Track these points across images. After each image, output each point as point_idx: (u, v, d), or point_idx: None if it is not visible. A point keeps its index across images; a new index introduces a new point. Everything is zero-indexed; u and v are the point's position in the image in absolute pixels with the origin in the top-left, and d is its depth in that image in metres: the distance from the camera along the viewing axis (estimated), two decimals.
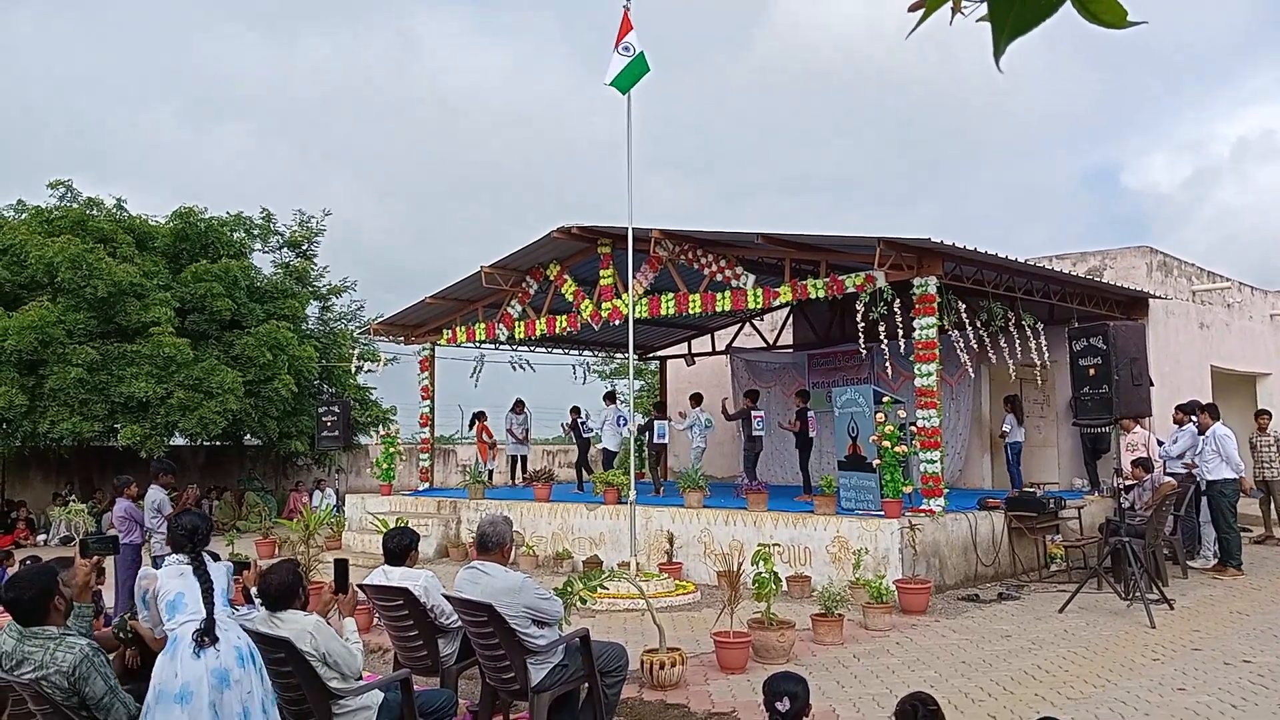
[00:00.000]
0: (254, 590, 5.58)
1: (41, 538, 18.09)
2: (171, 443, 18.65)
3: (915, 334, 10.54)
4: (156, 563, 8.99)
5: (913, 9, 1.06)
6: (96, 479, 20.19)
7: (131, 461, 19.01)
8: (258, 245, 21.80)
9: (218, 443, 21.46)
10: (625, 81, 10.43)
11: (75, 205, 19.19)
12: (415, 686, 5.03)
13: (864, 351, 11.14)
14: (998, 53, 0.90)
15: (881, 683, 6.58)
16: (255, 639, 4.44)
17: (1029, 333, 12.02)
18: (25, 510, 19.45)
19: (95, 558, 4.24)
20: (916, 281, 10.52)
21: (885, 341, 10.84)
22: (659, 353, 21.27)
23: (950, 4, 0.99)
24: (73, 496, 18.52)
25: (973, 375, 12.73)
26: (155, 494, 9.13)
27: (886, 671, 6.89)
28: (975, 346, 11.46)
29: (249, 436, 21.04)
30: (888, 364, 11.51)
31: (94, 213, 19.04)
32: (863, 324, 10.68)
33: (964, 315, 10.94)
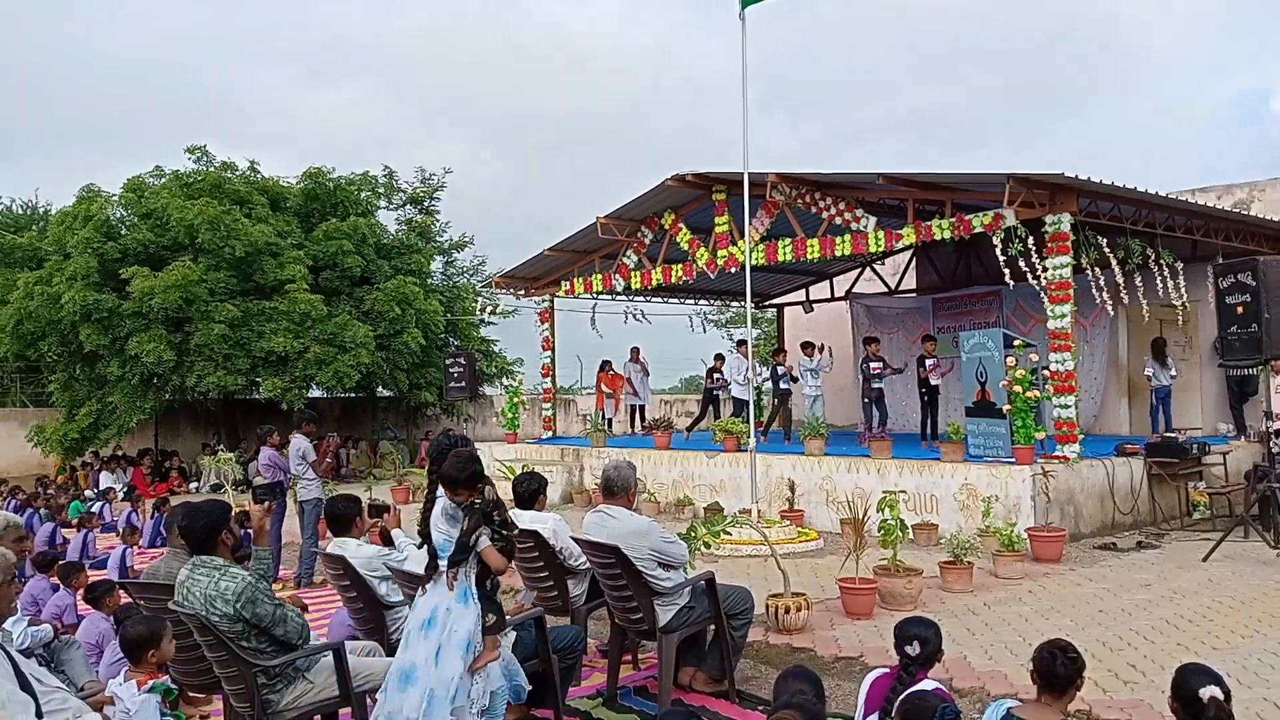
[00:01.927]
0: (395, 533, 5.85)
1: (193, 485, 19.32)
2: (309, 394, 19.56)
3: (1047, 274, 10.12)
4: (303, 507, 9.51)
5: None
6: (241, 429, 21.40)
7: (273, 412, 20.08)
8: (382, 203, 22.48)
9: (352, 394, 22.41)
10: None
11: (211, 169, 20.13)
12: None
13: (1005, 289, 10.68)
14: None
15: (1014, 630, 6.45)
16: (400, 578, 4.67)
17: (1168, 271, 11.38)
18: (177, 460, 20.81)
19: (267, 503, 4.49)
20: (1049, 219, 10.08)
21: (1014, 283, 10.44)
22: (776, 300, 21.04)
23: None
24: (220, 446, 19.67)
25: (1112, 313, 12.08)
26: (299, 442, 9.59)
27: (1019, 619, 6.75)
28: (1111, 286, 10.92)
29: (381, 388, 21.91)
30: (1033, 302, 10.99)
31: (229, 175, 19.94)
32: (1004, 259, 10.24)
33: (1105, 251, 10.40)
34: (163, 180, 19.57)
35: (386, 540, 6.01)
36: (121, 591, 5.87)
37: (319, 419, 10.64)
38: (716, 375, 16.42)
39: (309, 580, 9.54)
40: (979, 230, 10.63)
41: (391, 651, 5.00)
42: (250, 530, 4.49)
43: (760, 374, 15.03)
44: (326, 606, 8.11)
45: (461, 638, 4.01)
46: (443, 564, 4.12)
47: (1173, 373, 13.18)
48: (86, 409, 18.69)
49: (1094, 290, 10.65)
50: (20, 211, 31.44)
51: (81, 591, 6.39)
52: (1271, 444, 9.19)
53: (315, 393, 20.43)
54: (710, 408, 16.76)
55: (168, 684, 3.82)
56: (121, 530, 11.28)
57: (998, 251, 10.30)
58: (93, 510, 13.98)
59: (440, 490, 4.18)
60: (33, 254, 19.61)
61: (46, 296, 17.84)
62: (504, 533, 4.17)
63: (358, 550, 5.24)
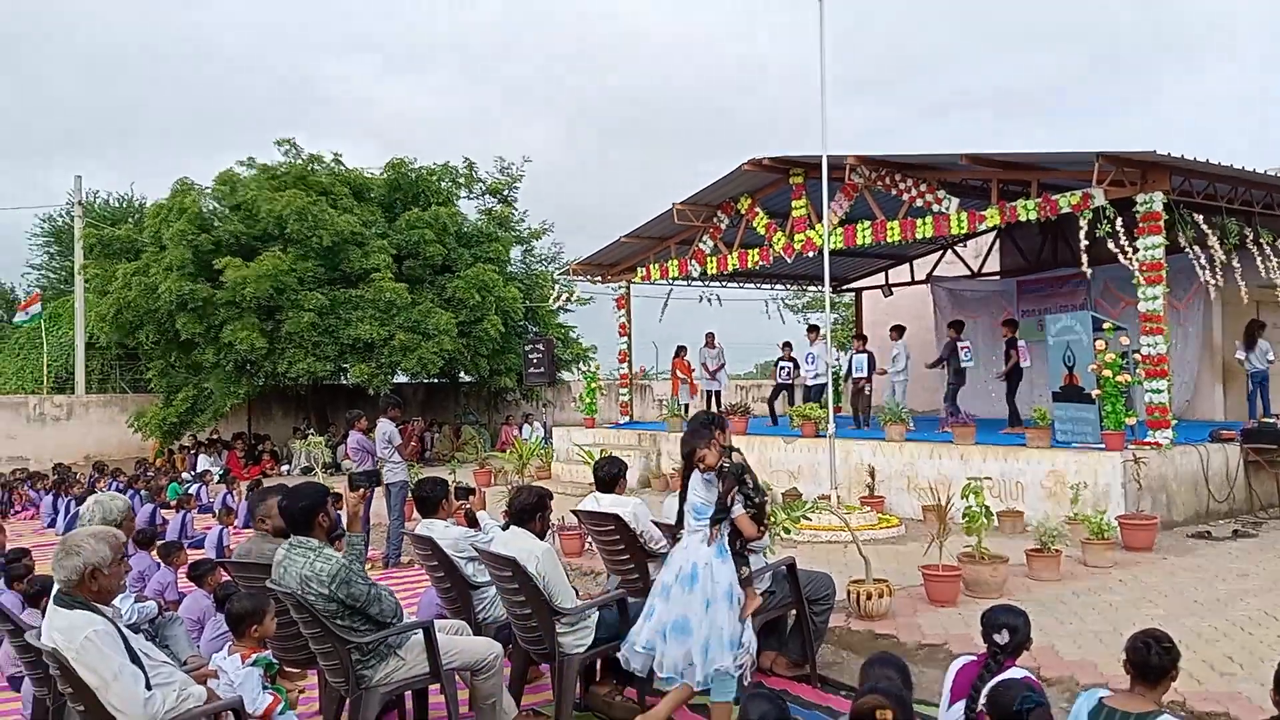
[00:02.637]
0: (481, 514, 5.98)
1: (285, 468, 19.95)
2: (394, 380, 20.02)
3: (1139, 255, 9.81)
4: (389, 490, 9.77)
5: None
6: (330, 414, 22.02)
7: (360, 397, 20.62)
8: (462, 192, 22.82)
9: (435, 380, 22.86)
10: None
11: (298, 161, 20.68)
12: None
13: (1086, 274, 10.38)
14: None
15: (1104, 620, 6.31)
16: (486, 558, 4.78)
17: (1269, 250, 10.91)
18: (270, 443, 21.50)
19: (361, 490, 4.63)
20: (1140, 198, 9.76)
21: (1099, 266, 10.13)
22: (854, 284, 20.79)
23: None
24: (310, 430, 20.26)
25: (1214, 293, 11.58)
26: (385, 426, 9.85)
27: (1109, 609, 6.60)
28: (1207, 267, 10.53)
29: (462, 374, 22.31)
30: (1123, 285, 10.62)
31: (315, 167, 20.46)
32: (1087, 243, 9.96)
33: (1203, 229, 10.02)
34: (252, 173, 20.16)
35: (472, 522, 6.15)
36: (221, 570, 6.13)
37: (404, 404, 10.91)
38: (784, 364, 16.18)
39: (396, 560, 9.81)
40: (1066, 211, 10.35)
41: (479, 630, 5.14)
42: (345, 514, 4.64)
43: (837, 359, 14.85)
44: (414, 587, 8.34)
45: (725, 589, 4.50)
46: (701, 524, 4.61)
47: (1269, 356, 12.64)
48: (183, 394, 19.42)
49: (1197, 269, 10.28)
50: (116, 205, 32.78)
51: (184, 570, 6.67)
52: None
53: (400, 378, 20.90)
54: (783, 393, 16.62)
55: (270, 658, 3.98)
56: (218, 511, 11.75)
57: (1083, 233, 10.03)
58: (190, 492, 14.55)
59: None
60: (130, 245, 20.40)
61: (144, 287, 18.56)
62: (756, 499, 4.66)
63: (445, 531, 5.37)
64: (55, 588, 3.51)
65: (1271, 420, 11.23)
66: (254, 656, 3.89)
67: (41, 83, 79.32)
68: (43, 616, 4.55)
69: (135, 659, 3.38)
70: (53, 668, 3.42)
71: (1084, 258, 10.03)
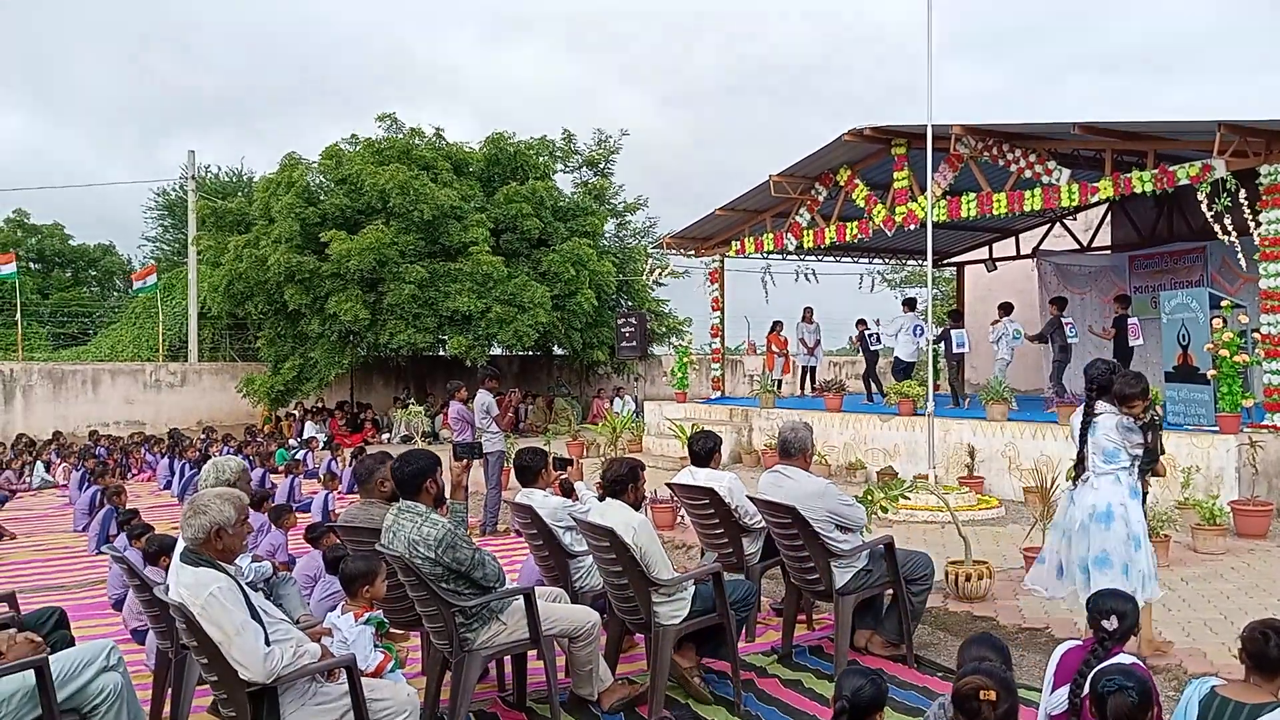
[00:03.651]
0: (578, 485, 6.08)
1: (385, 436, 20.53)
2: (491, 352, 20.40)
3: (1261, 229, 9.34)
4: (487, 459, 9.99)
5: None
6: (429, 384, 22.56)
7: (457, 368, 21.07)
8: (559, 166, 22.99)
9: (529, 353, 23.19)
10: None
11: (400, 136, 21.12)
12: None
13: (1211, 246, 9.93)
14: None
15: (1215, 608, 6.10)
16: (584, 528, 4.86)
17: None
18: (371, 412, 22.16)
19: (465, 460, 4.75)
20: (1264, 169, 9.28)
21: (1223, 239, 9.69)
22: (956, 258, 20.30)
23: None
24: (410, 400, 20.80)
25: None
26: (483, 397, 10.06)
27: (1220, 597, 6.37)
28: None
29: (556, 347, 22.57)
30: (1237, 261, 10.16)
31: (416, 142, 20.86)
32: (1212, 214, 9.52)
33: None
34: (356, 148, 20.69)
35: (568, 492, 6.25)
36: (331, 533, 6.37)
37: (500, 375, 11.10)
38: (869, 334, 15.77)
39: (493, 529, 10.04)
40: (1184, 182, 9.90)
41: (575, 598, 5.24)
42: (449, 482, 4.78)
43: (935, 335, 14.50)
44: (510, 554, 8.53)
45: (1141, 527, 5.03)
46: (1112, 467, 5.09)
47: None
48: (290, 363, 20.14)
49: None
50: (227, 178, 34.02)
51: (301, 532, 6.96)
52: None
53: (496, 350, 21.28)
54: (867, 355, 16.31)
55: (381, 617, 4.14)
56: (323, 476, 12.17)
57: (1204, 205, 9.59)
58: (298, 457, 15.11)
59: (1105, 406, 5.15)
60: (241, 218, 21.16)
61: (254, 258, 19.26)
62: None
63: (544, 501, 5.48)
64: (182, 545, 3.71)
65: None
66: (366, 616, 4.05)
67: (155, 59, 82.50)
68: (164, 574, 4.82)
69: (256, 615, 3.55)
70: (179, 622, 3.62)
71: (1217, 227, 9.58)
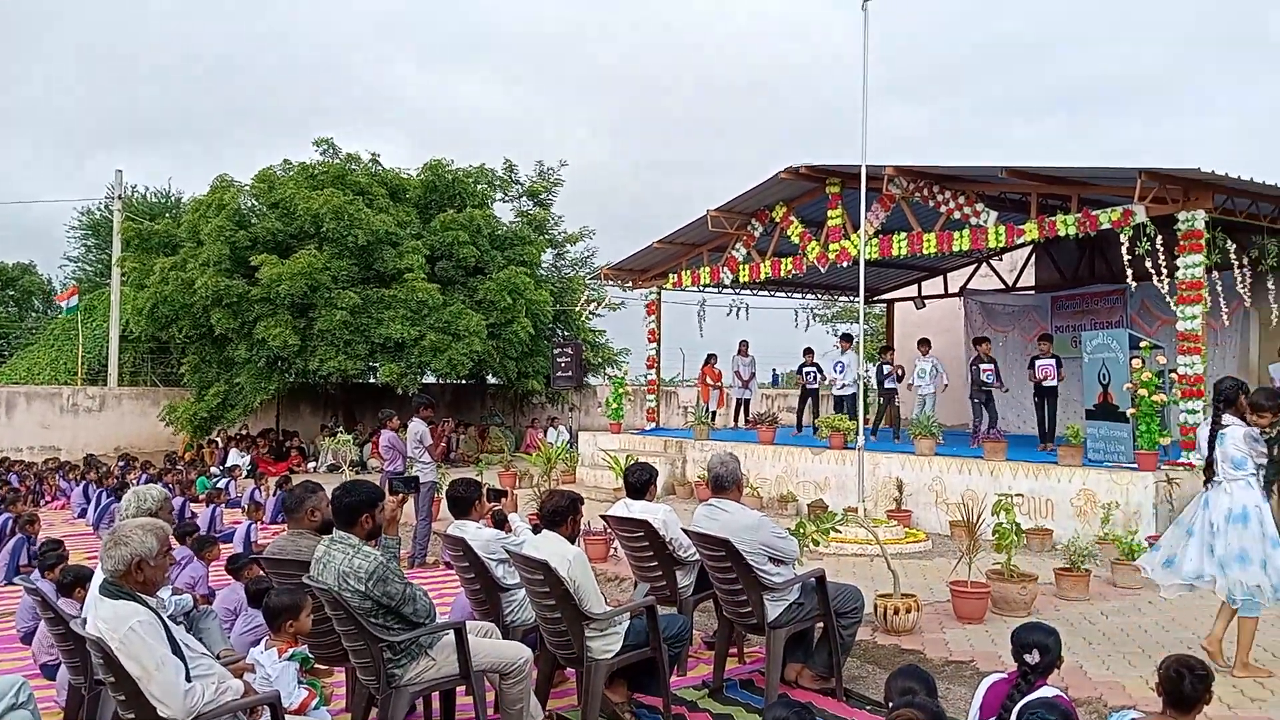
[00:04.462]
0: (512, 517, 6.02)
1: (311, 465, 20.10)
2: (423, 380, 20.14)
3: (1179, 273, 9.71)
4: (419, 490, 9.83)
5: None
6: (358, 412, 22.18)
7: (388, 396, 20.76)
8: (499, 195, 22.95)
9: (463, 381, 22.96)
10: None
11: (336, 161, 20.89)
12: None
13: (1130, 289, 10.28)
14: None
15: (1134, 642, 6.26)
16: (518, 561, 4.81)
17: None
18: (297, 440, 21.69)
19: (400, 495, 4.68)
20: (1182, 216, 9.67)
21: (1139, 282, 10.06)
22: (886, 295, 20.71)
23: None
24: (339, 428, 20.42)
25: (1250, 307, 11.51)
26: (417, 426, 9.93)
27: (1139, 631, 6.54)
28: (1244, 287, 10.45)
29: (490, 376, 22.39)
30: (1160, 303, 10.53)
31: (352, 167, 20.65)
32: (1132, 258, 9.88)
33: (1232, 255, 9.95)
34: (290, 172, 20.40)
35: (500, 524, 6.19)
36: (255, 565, 6.20)
37: (435, 404, 10.97)
38: (808, 370, 16.13)
39: (422, 560, 9.88)
40: (1106, 227, 10.27)
41: (506, 633, 5.17)
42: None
43: (867, 371, 14.79)
44: (439, 587, 8.40)
45: (1273, 528, 5.42)
46: (1241, 473, 5.50)
47: None
48: (215, 390, 19.63)
49: (1235, 289, 10.20)
50: (155, 199, 33.23)
51: (224, 564, 6.76)
52: None
53: (429, 379, 21.02)
54: (809, 401, 16.59)
55: (305, 653, 4.04)
56: (246, 506, 11.87)
57: (1124, 249, 9.95)
58: (220, 486, 14.71)
59: (1232, 419, 5.58)
60: (168, 240, 20.66)
61: (181, 281, 18.79)
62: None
63: (477, 533, 5.41)
64: (101, 577, 3.57)
65: None
66: (290, 651, 3.94)
67: (82, 76, 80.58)
68: (79, 606, 4.64)
69: (177, 650, 3.44)
70: (95, 656, 3.48)
71: (1129, 272, 9.95)
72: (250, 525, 10.38)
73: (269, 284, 17.78)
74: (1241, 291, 10.59)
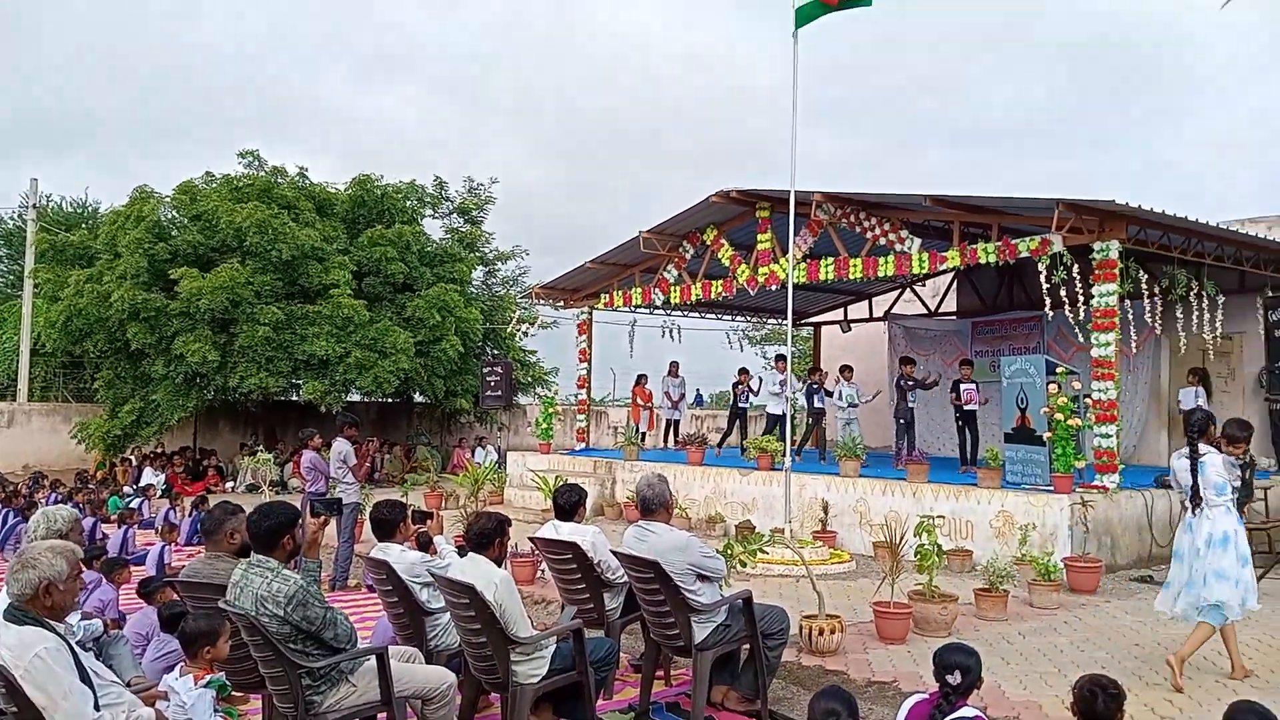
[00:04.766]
0: (437, 539, 5.93)
1: (229, 485, 19.56)
2: (348, 399, 19.80)
3: (1094, 301, 10.05)
4: (341, 511, 9.63)
5: None
6: (279, 430, 21.67)
7: (311, 415, 20.33)
8: (429, 212, 22.74)
9: (389, 400, 22.61)
10: (805, 15, 10.09)
11: (262, 173, 20.49)
12: None
13: (1047, 316, 10.62)
14: None
15: (1050, 661, 6.41)
16: (443, 584, 4.73)
17: (1208, 303, 11.29)
18: (215, 459, 21.09)
19: (323, 517, 4.59)
20: (1097, 246, 10.01)
21: (1055, 310, 10.38)
22: (814, 318, 21.01)
23: None
24: (259, 447, 19.92)
25: (1160, 335, 11.98)
26: (341, 445, 9.73)
27: (1054, 650, 6.70)
28: (1155, 316, 10.87)
29: (417, 394, 22.11)
30: (1075, 329, 10.91)
31: (279, 180, 20.28)
32: (1048, 286, 10.19)
33: (1142, 285, 10.34)
34: (213, 185, 19.94)
35: (425, 546, 6.09)
36: (169, 589, 6.00)
37: (359, 423, 10.78)
38: (741, 389, 16.35)
39: (344, 583, 9.66)
40: (1025, 255, 10.59)
41: (430, 658, 5.08)
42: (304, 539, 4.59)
43: (796, 391, 15.01)
44: (359, 611, 8.22)
45: (1246, 551, 5.94)
46: (1223, 499, 5.94)
47: (1199, 402, 12.94)
48: (130, 406, 19.01)
49: (1146, 317, 10.60)
50: (71, 210, 32.16)
51: (135, 587, 6.52)
52: None
53: (354, 397, 20.67)
54: (738, 422, 16.75)
55: (223, 679, 3.91)
56: (159, 527, 11.50)
57: (1042, 277, 10.26)
58: (132, 506, 14.21)
59: (1207, 448, 6.04)
60: (84, 252, 20.00)
61: (96, 294, 18.19)
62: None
63: (401, 556, 5.32)
64: (6, 601, 3.42)
65: None
66: (206, 678, 3.82)
67: None
68: None
69: (85, 678, 3.31)
70: None
71: (1046, 300, 10.26)
72: (164, 547, 10.05)
73: (189, 298, 17.32)
74: (1150, 320, 11.04)
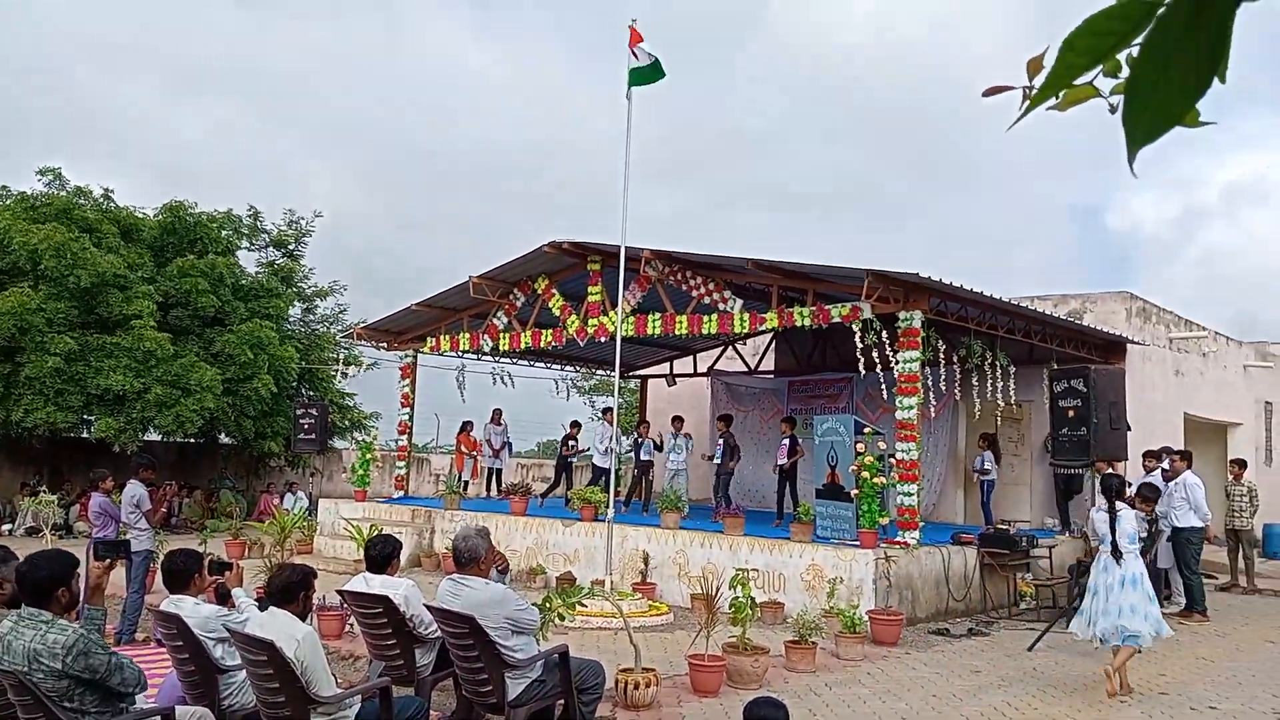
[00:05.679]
0: (236, 592, 5.57)
1: (7, 528, 17.83)
2: (145, 437, 18.49)
3: (898, 367, 10.65)
4: (131, 559, 8.93)
5: (988, 94, 1.11)
6: (67, 470, 19.96)
7: (103, 454, 18.80)
8: (244, 244, 21.71)
9: (191, 440, 21.26)
10: (637, 78, 10.46)
11: (63, 193, 19.08)
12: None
13: (858, 376, 11.25)
14: (1131, 158, 0.92)
15: (853, 712, 6.63)
16: (239, 640, 4.44)
17: (1000, 372, 12.22)
18: None
19: (109, 560, 4.24)
20: (902, 315, 10.64)
21: (866, 372, 10.95)
22: (640, 371, 21.31)
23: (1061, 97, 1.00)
24: (42, 487, 18.30)
25: (958, 400, 12.88)
26: (135, 489, 9.04)
27: (858, 701, 6.94)
28: (953, 382, 11.64)
29: (224, 435, 20.87)
30: (882, 392, 11.55)
31: (81, 201, 18.94)
32: (862, 346, 10.71)
33: (942, 353, 11.08)
34: (7, 202, 18.40)
35: (223, 599, 5.71)
36: None
37: (157, 465, 10.07)
38: (571, 443, 16.43)
39: (130, 637, 8.93)
40: (837, 320, 11.13)
41: (224, 718, 4.74)
42: (86, 585, 4.21)
43: (622, 443, 15.16)
44: (149, 666, 7.60)
45: (1150, 590, 7.46)
46: (1134, 547, 7.41)
47: (986, 466, 13.92)
48: None
49: (942, 384, 11.31)
50: None
51: None
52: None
53: (152, 436, 19.31)
54: (564, 475, 16.73)
55: None
56: None
57: (857, 340, 10.81)
58: None
59: (1122, 506, 7.61)
60: None
61: None
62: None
63: (195, 609, 4.97)
64: None
65: (1005, 527, 12.34)
66: None
67: None
68: None
69: None
70: None
71: (860, 360, 10.78)
72: None
73: None
74: (947, 387, 11.81)
